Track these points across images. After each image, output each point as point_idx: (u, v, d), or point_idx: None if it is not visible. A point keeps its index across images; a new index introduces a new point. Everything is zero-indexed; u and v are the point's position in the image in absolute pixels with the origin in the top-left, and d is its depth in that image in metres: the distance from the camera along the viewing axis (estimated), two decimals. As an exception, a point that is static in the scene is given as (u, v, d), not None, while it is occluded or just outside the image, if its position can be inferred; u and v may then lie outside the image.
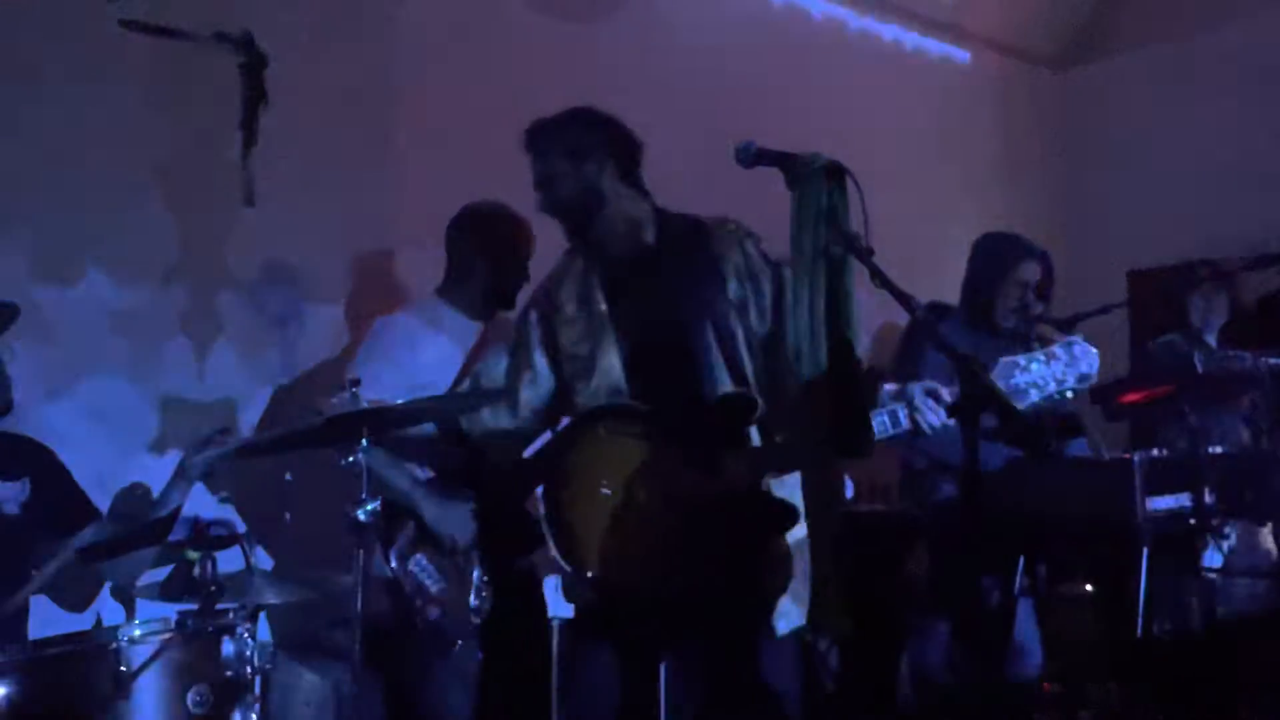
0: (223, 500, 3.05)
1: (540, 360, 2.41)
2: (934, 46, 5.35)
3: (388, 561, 2.65)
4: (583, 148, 2.32)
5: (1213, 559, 3.28)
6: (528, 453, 2.58)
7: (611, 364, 2.29)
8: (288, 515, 3.25)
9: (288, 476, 3.23)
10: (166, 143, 3.11)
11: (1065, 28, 5.85)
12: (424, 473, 2.77)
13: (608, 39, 4.12)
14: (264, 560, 3.04)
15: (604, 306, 2.32)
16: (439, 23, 3.66)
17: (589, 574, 2.09)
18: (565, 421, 2.36)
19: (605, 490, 2.12)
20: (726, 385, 2.24)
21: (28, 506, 2.52)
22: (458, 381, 2.70)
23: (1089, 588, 3.57)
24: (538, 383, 2.42)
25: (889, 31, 5.17)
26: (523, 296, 2.75)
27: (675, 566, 2.09)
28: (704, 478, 2.15)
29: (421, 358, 2.79)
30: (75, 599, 2.62)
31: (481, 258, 2.90)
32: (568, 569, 2.11)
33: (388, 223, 3.52)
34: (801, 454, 2.19)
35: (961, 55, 5.49)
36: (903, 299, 2.02)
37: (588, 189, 2.31)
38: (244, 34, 3.21)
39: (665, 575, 2.09)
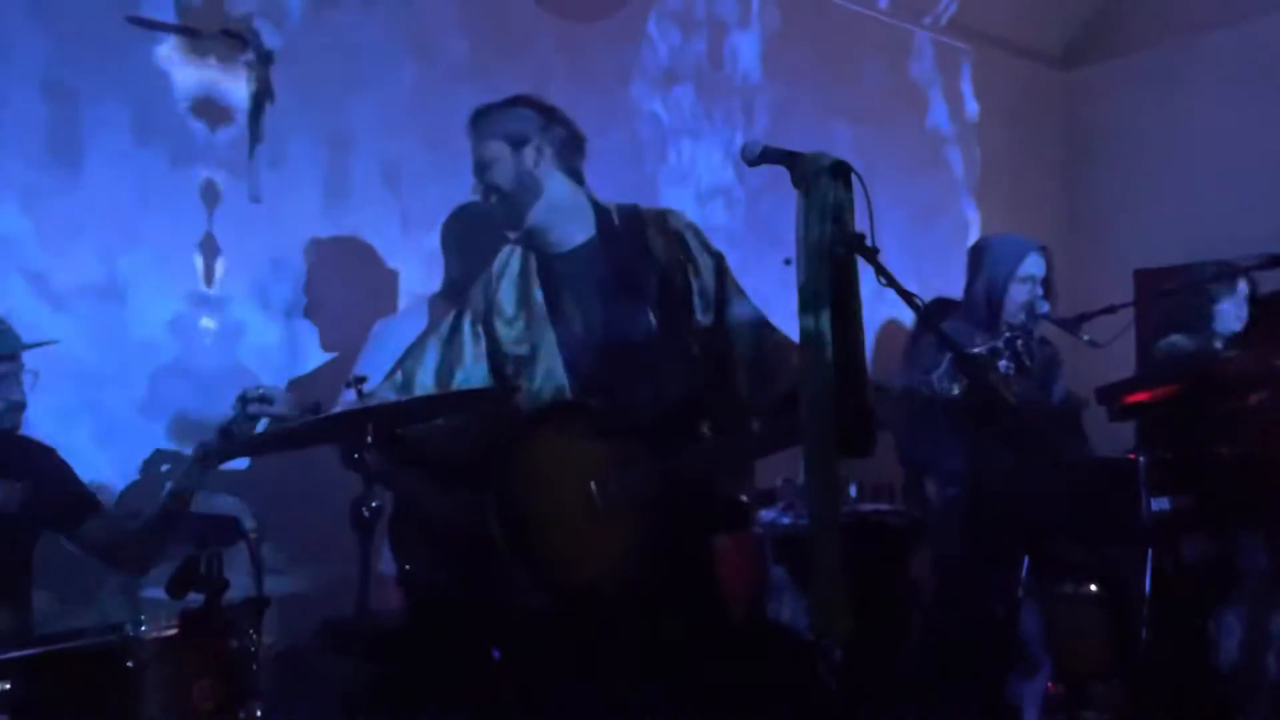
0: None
1: (474, 360, 2.40)
2: (939, 45, 5.34)
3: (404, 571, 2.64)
4: (522, 134, 2.31)
5: None
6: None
7: (554, 364, 2.27)
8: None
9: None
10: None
11: (1071, 27, 5.83)
12: None
13: (614, 38, 4.12)
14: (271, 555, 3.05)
15: (543, 304, 2.30)
16: (448, 21, 3.66)
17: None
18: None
19: (591, 488, 2.12)
20: (672, 379, 2.23)
21: (29, 507, 2.52)
22: (390, 374, 2.62)
23: (1093, 587, 3.57)
24: (470, 382, 2.41)
25: (893, 29, 5.17)
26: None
27: (631, 564, 2.10)
28: (658, 474, 2.14)
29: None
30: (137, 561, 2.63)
31: (476, 258, 2.89)
32: (520, 569, 2.12)
33: (395, 223, 3.52)
34: (747, 448, 2.18)
35: (967, 54, 5.48)
36: (908, 298, 2.02)
37: (523, 175, 2.29)
38: (251, 31, 3.22)
39: (622, 573, 2.10)
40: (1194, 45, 5.36)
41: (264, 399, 2.46)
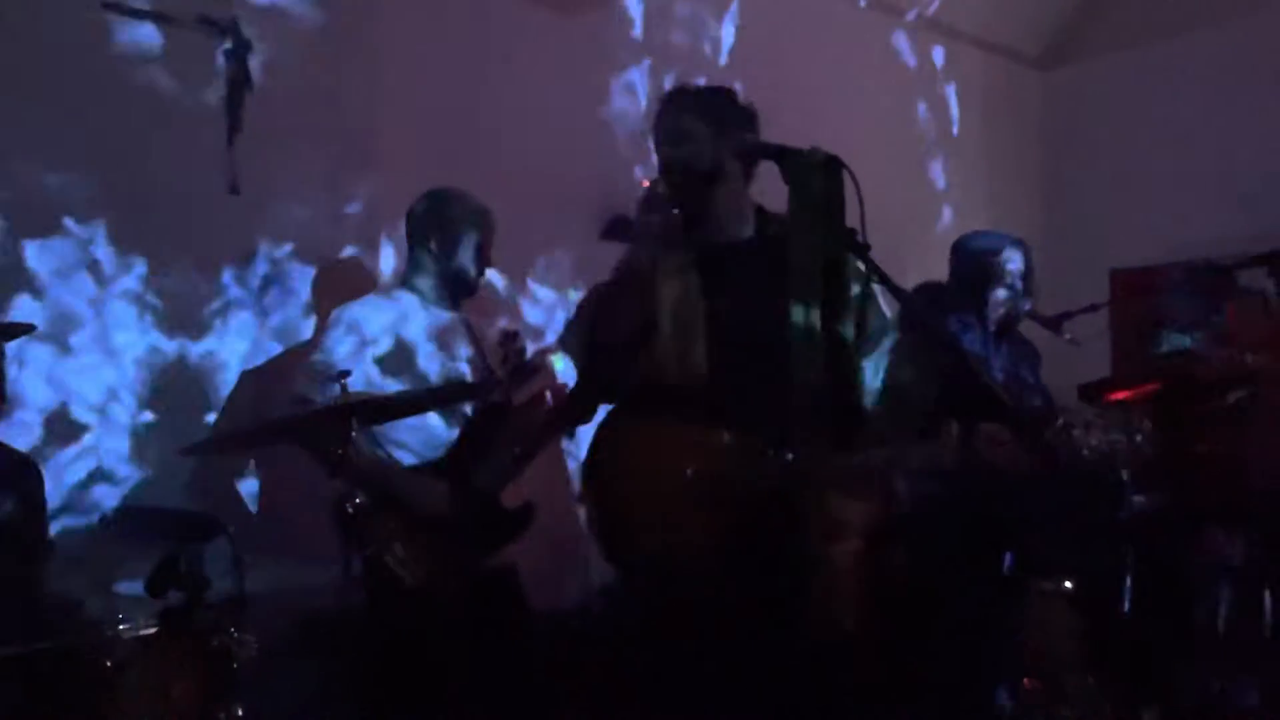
0: None
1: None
2: (918, 45, 5.36)
3: (363, 552, 2.59)
4: (724, 120, 2.28)
5: None
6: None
7: (695, 344, 2.22)
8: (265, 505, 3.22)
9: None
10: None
11: (1049, 27, 5.87)
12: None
13: (595, 32, 4.10)
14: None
15: (698, 285, 2.26)
16: (425, 12, 3.63)
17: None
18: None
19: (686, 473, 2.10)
20: (806, 387, 2.18)
21: (9, 524, 2.46)
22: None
23: (1068, 585, 3.59)
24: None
25: (874, 29, 5.18)
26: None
27: (728, 563, 2.08)
28: (761, 476, 2.12)
29: (380, 344, 2.74)
30: None
31: (439, 243, 2.85)
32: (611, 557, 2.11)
33: (370, 212, 3.49)
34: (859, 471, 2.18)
35: (945, 53, 5.50)
36: (898, 294, 2.02)
37: (717, 159, 2.26)
38: (229, 19, 3.17)
39: (718, 571, 2.08)
40: (1171, 46, 5.41)
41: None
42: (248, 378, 3.21)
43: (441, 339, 2.83)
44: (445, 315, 2.89)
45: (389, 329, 2.75)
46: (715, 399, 2.16)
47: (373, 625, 2.58)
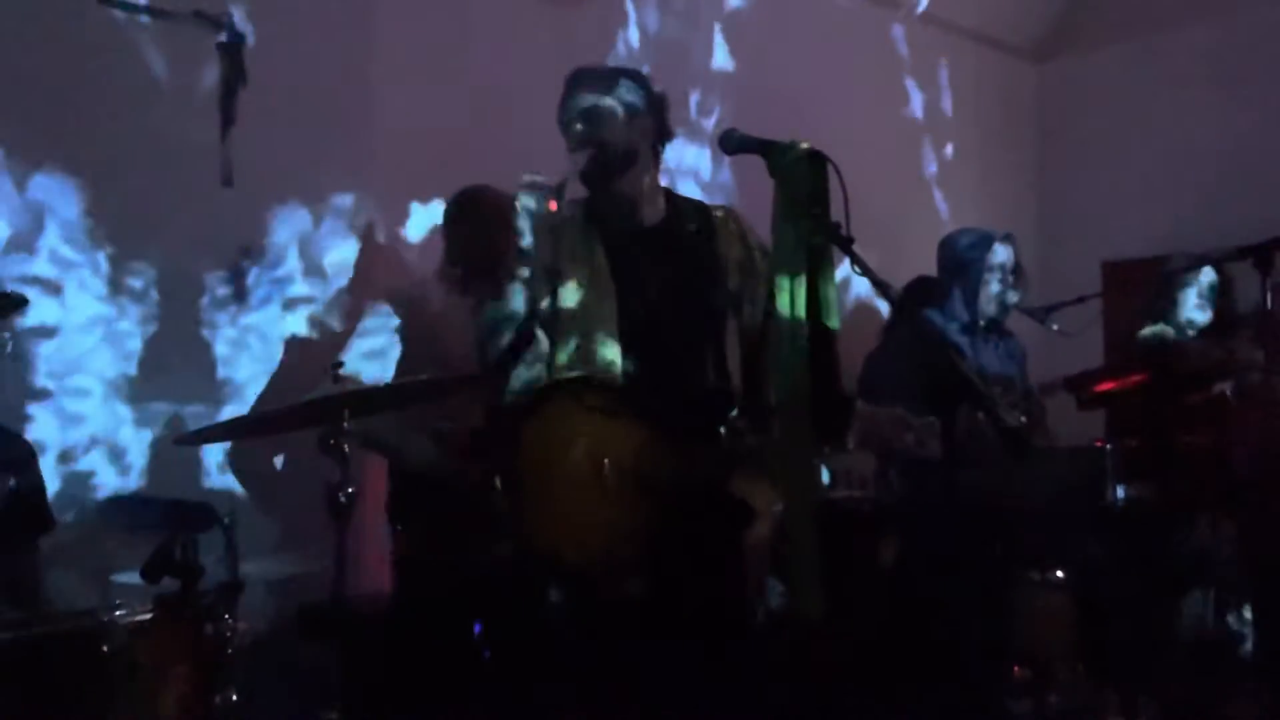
0: None
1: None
2: (913, 36, 5.38)
3: (395, 532, 2.63)
4: (635, 104, 2.28)
5: None
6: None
7: (606, 329, 2.21)
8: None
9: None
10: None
11: (1044, 20, 5.89)
12: None
13: (588, 22, 4.12)
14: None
15: (606, 268, 2.25)
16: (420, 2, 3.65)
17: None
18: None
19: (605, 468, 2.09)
20: (712, 376, 2.22)
21: (11, 502, 2.50)
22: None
23: (1060, 574, 3.62)
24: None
25: (867, 21, 5.19)
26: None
27: (644, 555, 2.08)
28: (679, 466, 2.12)
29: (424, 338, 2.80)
30: None
31: (477, 241, 2.91)
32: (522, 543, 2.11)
33: (362, 203, 3.52)
34: (771, 457, 2.18)
35: (940, 46, 5.51)
36: (883, 288, 2.04)
37: (630, 141, 2.26)
38: (223, 13, 3.19)
39: (634, 563, 2.08)
40: (1164, 40, 5.43)
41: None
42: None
43: None
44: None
45: None
46: (629, 389, 2.16)
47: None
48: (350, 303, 3.44)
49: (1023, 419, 3.20)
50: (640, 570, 2.08)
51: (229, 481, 3.20)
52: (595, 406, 2.13)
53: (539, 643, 2.68)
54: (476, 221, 2.93)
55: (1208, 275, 3.65)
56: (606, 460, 2.10)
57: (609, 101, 2.27)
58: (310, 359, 3.23)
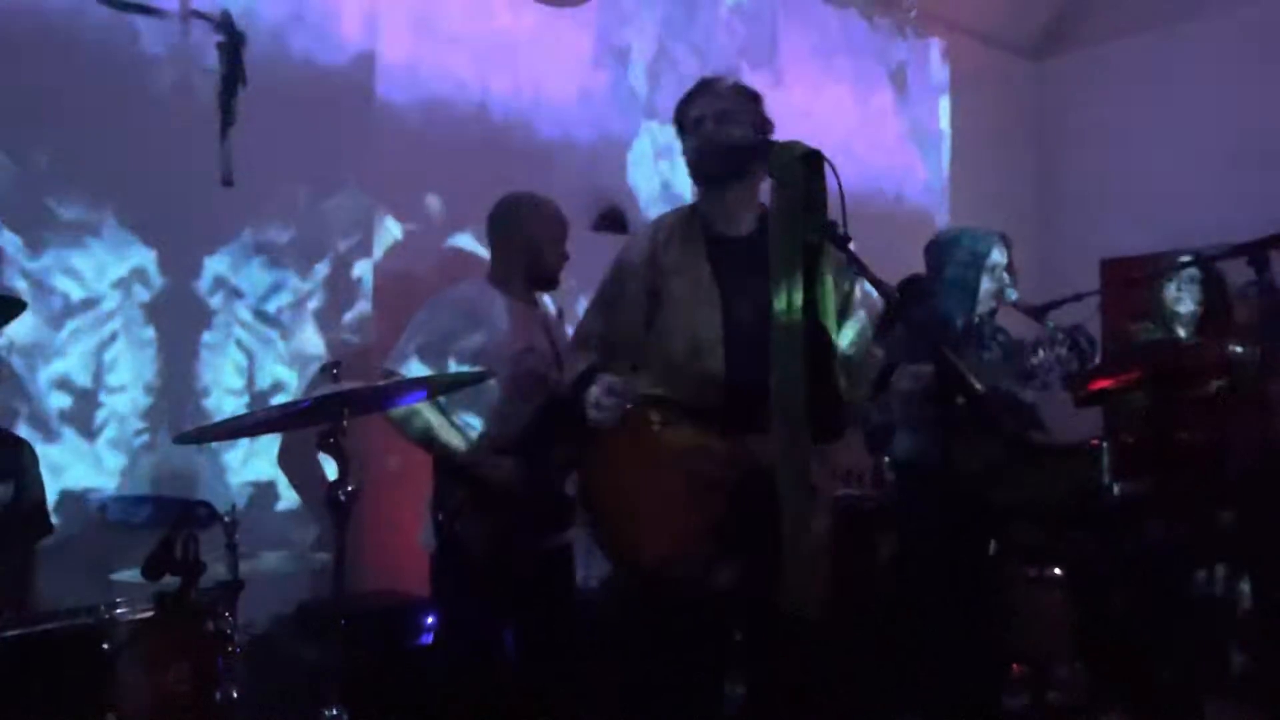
0: None
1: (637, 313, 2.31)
2: (912, 34, 5.38)
3: (438, 523, 2.65)
4: (758, 119, 2.32)
5: None
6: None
7: (712, 336, 2.22)
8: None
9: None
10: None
11: (1043, 18, 5.89)
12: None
13: (587, 23, 4.13)
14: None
15: (711, 278, 2.26)
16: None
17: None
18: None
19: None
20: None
21: (11, 508, 2.50)
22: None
23: (1057, 571, 3.63)
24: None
25: (867, 18, 5.20)
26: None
27: (723, 556, 2.12)
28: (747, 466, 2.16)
29: (475, 334, 2.81)
30: None
31: (522, 244, 2.94)
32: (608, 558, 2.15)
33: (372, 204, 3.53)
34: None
35: (939, 43, 5.52)
36: (879, 286, 2.05)
37: (752, 148, 2.26)
38: (222, 13, 3.20)
39: (713, 564, 2.12)
40: (1163, 38, 5.44)
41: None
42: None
43: (526, 327, 2.91)
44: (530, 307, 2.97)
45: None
46: (734, 400, 2.18)
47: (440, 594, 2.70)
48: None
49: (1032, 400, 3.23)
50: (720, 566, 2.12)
51: (230, 479, 3.21)
52: (673, 422, 2.20)
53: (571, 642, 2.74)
54: (522, 225, 2.93)
55: (1191, 270, 3.67)
56: (690, 473, 2.14)
57: (739, 106, 2.30)
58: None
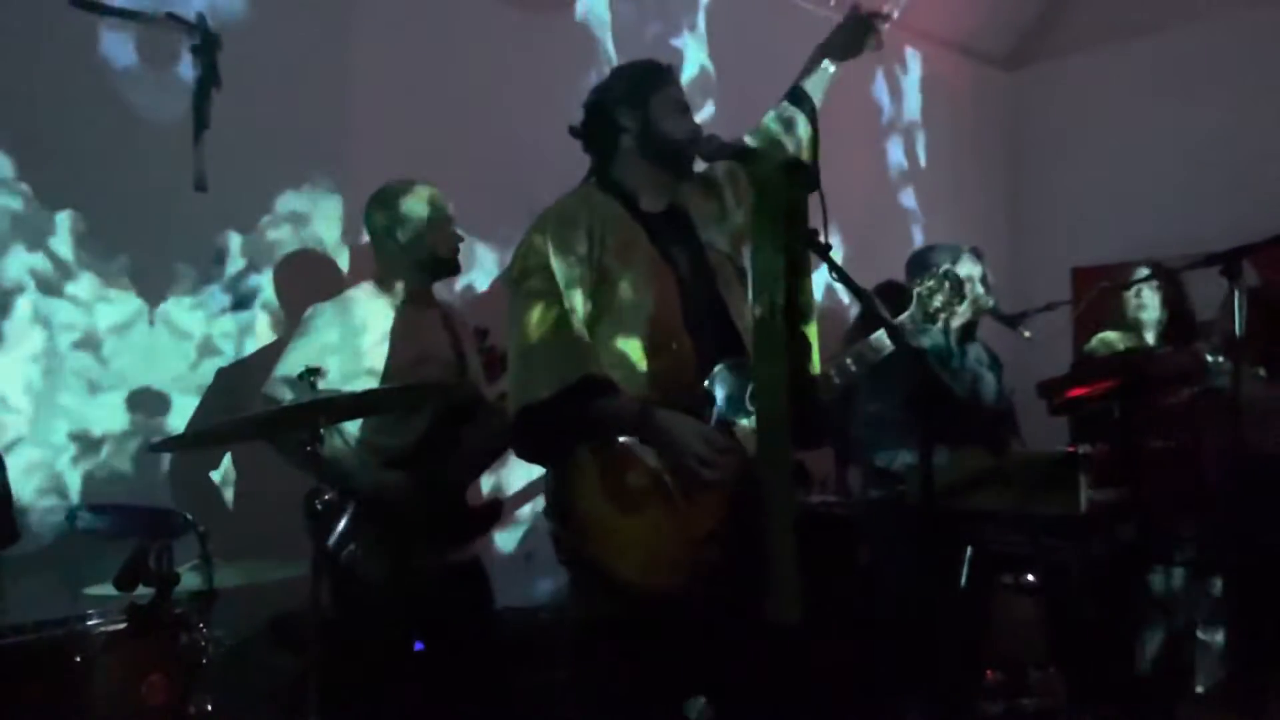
0: None
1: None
2: (884, 44, 5.40)
3: (327, 547, 2.60)
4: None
5: None
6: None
7: (671, 315, 2.19)
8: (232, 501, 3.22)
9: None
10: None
11: (1015, 29, 5.95)
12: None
13: (566, 27, 4.13)
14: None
15: (652, 252, 2.24)
16: (394, 8, 3.64)
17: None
18: None
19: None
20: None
21: None
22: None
23: (1031, 578, 3.65)
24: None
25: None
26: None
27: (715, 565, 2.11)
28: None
29: (360, 340, 2.75)
30: None
31: (408, 236, 2.86)
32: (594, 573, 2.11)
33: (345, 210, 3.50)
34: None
35: (912, 53, 5.56)
36: (859, 293, 2.06)
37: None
38: (197, 16, 3.17)
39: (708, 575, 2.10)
40: (1133, 49, 5.50)
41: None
42: (223, 374, 3.21)
43: (418, 333, 2.85)
44: (422, 308, 2.91)
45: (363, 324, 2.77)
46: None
47: (338, 619, 2.60)
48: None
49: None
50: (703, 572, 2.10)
51: (203, 488, 3.17)
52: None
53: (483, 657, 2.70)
54: (400, 214, 2.86)
55: (1141, 274, 3.75)
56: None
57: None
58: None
